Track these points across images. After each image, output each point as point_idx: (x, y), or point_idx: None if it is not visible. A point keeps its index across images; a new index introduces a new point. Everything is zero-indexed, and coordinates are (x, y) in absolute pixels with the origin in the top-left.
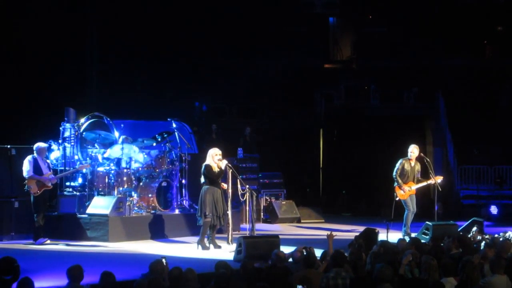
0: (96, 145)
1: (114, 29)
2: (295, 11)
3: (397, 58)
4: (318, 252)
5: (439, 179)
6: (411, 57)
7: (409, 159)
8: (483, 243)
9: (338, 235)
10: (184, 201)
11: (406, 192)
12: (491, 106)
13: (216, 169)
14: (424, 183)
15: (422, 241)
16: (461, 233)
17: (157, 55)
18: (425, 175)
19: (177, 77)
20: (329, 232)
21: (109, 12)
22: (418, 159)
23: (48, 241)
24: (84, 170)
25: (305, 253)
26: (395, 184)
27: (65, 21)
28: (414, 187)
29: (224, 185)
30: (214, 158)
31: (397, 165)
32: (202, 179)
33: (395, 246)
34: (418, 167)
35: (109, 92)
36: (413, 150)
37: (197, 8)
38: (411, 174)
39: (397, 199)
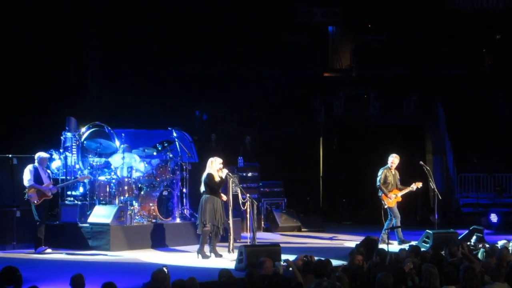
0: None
1: (115, 39)
2: (294, 20)
3: (397, 66)
4: None
5: (419, 184)
6: (410, 66)
7: (390, 168)
8: (480, 251)
9: (339, 244)
10: (185, 210)
11: (393, 199)
12: (490, 114)
13: (217, 178)
14: (407, 190)
15: (422, 249)
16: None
17: (158, 64)
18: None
19: (178, 86)
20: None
21: (110, 21)
22: (398, 168)
23: (49, 250)
24: (85, 181)
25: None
26: (380, 193)
27: (66, 31)
28: (400, 194)
29: (224, 197)
30: (214, 166)
31: (379, 174)
32: (202, 188)
33: (396, 254)
34: (397, 175)
35: (110, 101)
36: (394, 160)
37: (198, 18)
38: (394, 182)
39: (385, 207)
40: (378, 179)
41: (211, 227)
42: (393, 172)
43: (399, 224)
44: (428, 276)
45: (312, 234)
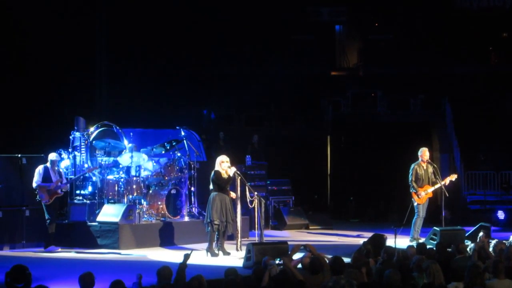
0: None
1: (123, 38)
2: (301, 19)
3: (404, 65)
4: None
5: (453, 177)
6: (417, 64)
7: (421, 163)
8: (470, 246)
9: (346, 241)
10: (193, 209)
11: (422, 196)
12: (497, 112)
13: (225, 176)
14: (438, 185)
15: (429, 246)
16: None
17: (166, 63)
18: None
19: (186, 85)
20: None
21: (119, 21)
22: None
23: (59, 249)
24: (96, 173)
25: (310, 258)
26: (412, 190)
27: (74, 30)
28: (430, 190)
29: (233, 194)
30: (222, 165)
31: (410, 171)
32: (211, 186)
33: (403, 251)
34: (431, 169)
35: (118, 101)
36: (425, 153)
37: (205, 17)
38: (426, 177)
39: (415, 204)
40: (409, 175)
41: (219, 224)
42: (425, 167)
43: (419, 223)
44: (430, 272)
45: (319, 232)
